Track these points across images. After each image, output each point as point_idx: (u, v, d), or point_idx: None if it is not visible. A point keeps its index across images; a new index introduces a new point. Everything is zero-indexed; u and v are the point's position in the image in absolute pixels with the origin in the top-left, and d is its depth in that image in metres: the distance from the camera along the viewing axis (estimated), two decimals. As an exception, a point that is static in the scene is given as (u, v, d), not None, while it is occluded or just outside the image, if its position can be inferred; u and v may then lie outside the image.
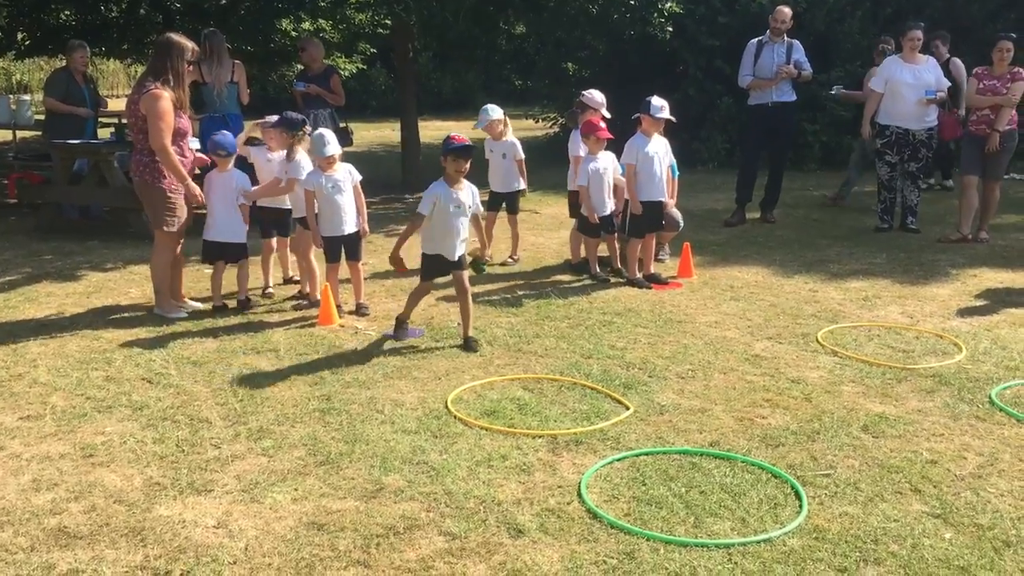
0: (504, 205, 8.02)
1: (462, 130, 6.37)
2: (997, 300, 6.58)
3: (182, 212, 6.21)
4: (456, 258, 5.60)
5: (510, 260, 7.93)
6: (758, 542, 3.37)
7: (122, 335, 5.86)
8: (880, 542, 3.38)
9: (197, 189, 6.17)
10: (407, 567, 3.24)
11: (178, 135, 6.07)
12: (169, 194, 6.10)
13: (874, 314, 6.31)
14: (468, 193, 5.60)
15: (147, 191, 6.13)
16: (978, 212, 8.55)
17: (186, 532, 3.48)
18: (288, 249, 7.09)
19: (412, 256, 5.95)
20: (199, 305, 6.55)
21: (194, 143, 6.38)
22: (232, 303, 6.56)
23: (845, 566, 3.23)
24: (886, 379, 5.04)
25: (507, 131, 7.91)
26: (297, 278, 6.96)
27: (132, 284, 7.17)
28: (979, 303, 6.54)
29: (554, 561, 3.27)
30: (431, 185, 5.59)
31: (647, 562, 3.25)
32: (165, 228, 6.16)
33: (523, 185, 8.02)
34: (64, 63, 10.53)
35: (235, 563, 3.27)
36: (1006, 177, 11.78)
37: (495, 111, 7.81)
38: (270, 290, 6.87)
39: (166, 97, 5.94)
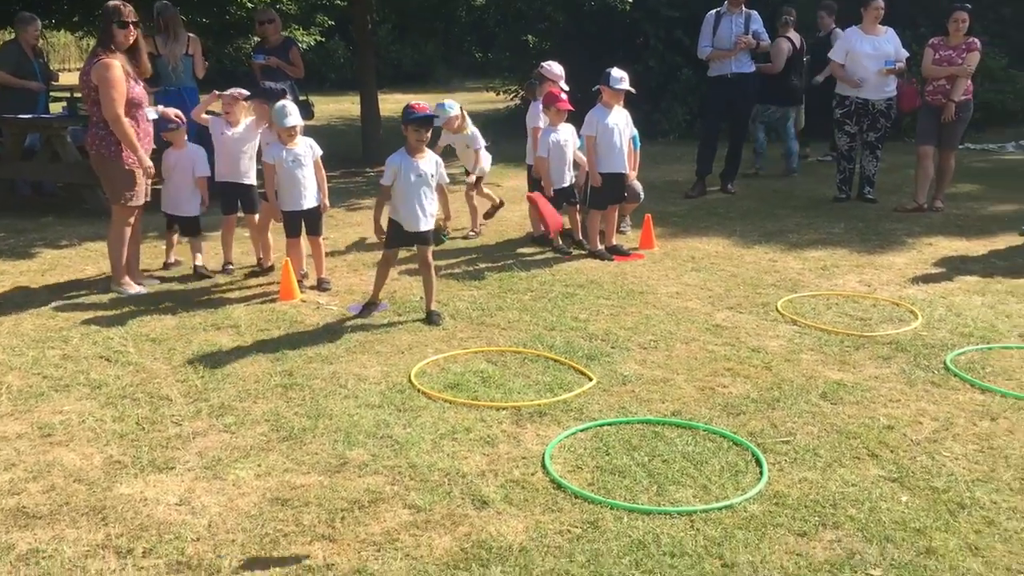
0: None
1: (423, 102, 6.29)
2: (952, 268, 6.70)
3: (140, 186, 6.09)
4: (421, 230, 5.56)
5: (471, 233, 7.91)
6: (720, 509, 3.41)
7: (79, 313, 5.77)
8: (839, 506, 3.44)
9: (148, 160, 6.02)
10: (372, 540, 3.24)
11: (132, 105, 5.93)
12: (126, 167, 5.97)
13: (832, 283, 6.39)
14: (430, 163, 5.55)
15: (104, 164, 6.00)
16: (934, 181, 8.66)
17: (148, 510, 3.45)
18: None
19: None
20: (157, 282, 6.47)
21: (152, 113, 6.20)
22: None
23: (805, 530, 3.28)
24: (844, 347, 5.11)
25: (466, 123, 7.80)
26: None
27: (88, 261, 7.06)
28: (934, 271, 6.65)
29: (519, 531, 3.29)
30: (392, 155, 5.56)
31: (611, 531, 3.29)
32: (122, 203, 6.05)
33: (481, 171, 7.93)
34: (13, 36, 10.26)
35: (198, 540, 3.25)
36: (961, 147, 11.98)
37: (452, 107, 7.71)
38: (230, 266, 6.79)
39: (117, 66, 5.80)
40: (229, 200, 6.75)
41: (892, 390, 4.51)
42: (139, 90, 6.01)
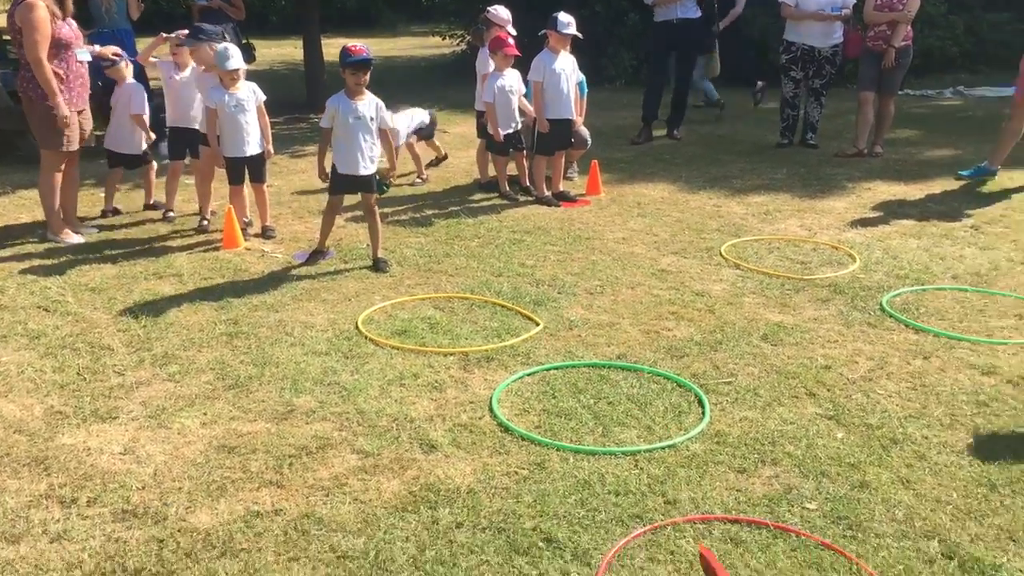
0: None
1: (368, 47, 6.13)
2: (890, 212, 6.83)
3: (73, 131, 5.91)
4: (360, 174, 5.50)
5: (417, 180, 7.85)
6: (663, 448, 3.49)
7: (14, 263, 5.63)
8: (777, 444, 3.54)
9: (65, 109, 5.74)
10: (320, 485, 3.26)
11: (60, 46, 5.70)
12: (55, 112, 5.79)
13: (774, 227, 6.49)
14: (370, 105, 5.46)
15: (33, 108, 5.79)
16: (874, 127, 8.78)
17: (91, 460, 3.42)
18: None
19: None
20: (95, 231, 6.33)
21: (84, 54, 5.97)
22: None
23: (744, 467, 3.38)
24: (784, 290, 5.21)
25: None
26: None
27: (22, 209, 6.87)
28: (873, 215, 6.78)
29: (467, 474, 3.33)
30: (331, 97, 5.47)
31: (557, 471, 3.34)
32: (52, 148, 5.87)
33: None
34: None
35: (143, 488, 3.23)
36: (901, 92, 12.14)
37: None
38: (171, 213, 6.66)
39: (40, 6, 5.56)
40: (177, 145, 6.59)
41: (830, 331, 4.62)
42: (68, 31, 5.79)
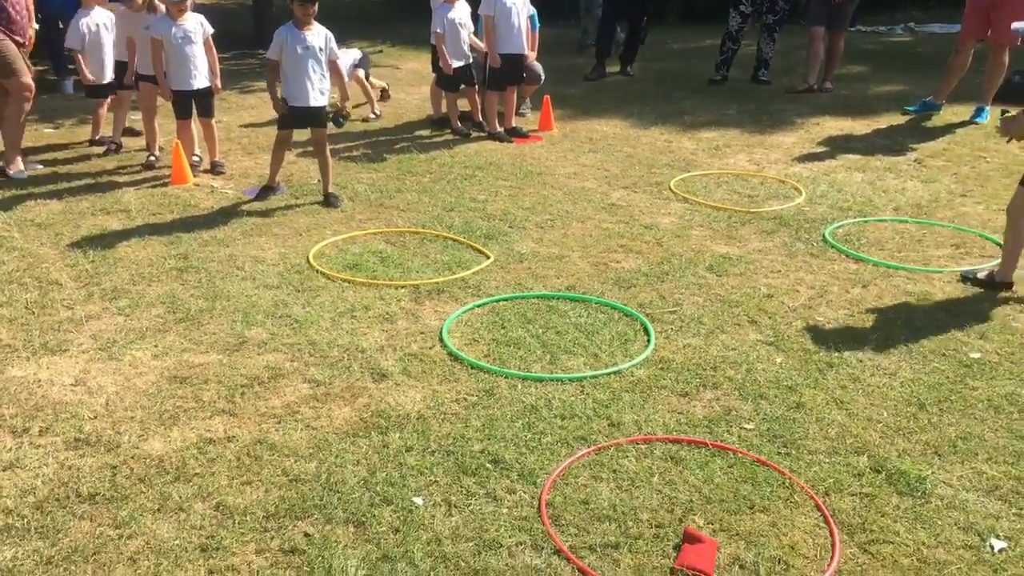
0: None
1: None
2: (836, 147, 6.94)
3: (21, 63, 5.79)
4: (310, 104, 5.45)
5: (371, 116, 7.79)
6: (608, 374, 3.59)
7: (-43, 199, 5.55)
8: (718, 368, 3.65)
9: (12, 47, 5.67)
10: (272, 413, 3.31)
11: None
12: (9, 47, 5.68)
13: (724, 162, 6.57)
14: (318, 36, 5.40)
15: None
16: (824, 63, 8.86)
17: (42, 391, 3.43)
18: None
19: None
20: (40, 167, 6.22)
21: None
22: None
23: (687, 391, 3.49)
24: (731, 223, 5.31)
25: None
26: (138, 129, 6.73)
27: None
28: (820, 150, 6.89)
29: (417, 401, 3.40)
30: (279, 28, 5.40)
31: (505, 397, 3.43)
32: (20, 78, 5.79)
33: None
34: None
35: (95, 418, 3.26)
36: (852, 29, 12.21)
37: None
38: (112, 144, 6.58)
39: None
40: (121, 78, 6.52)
41: (774, 262, 4.74)
42: None
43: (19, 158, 6.02)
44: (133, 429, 3.20)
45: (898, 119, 7.73)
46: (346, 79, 7.41)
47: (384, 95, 8.33)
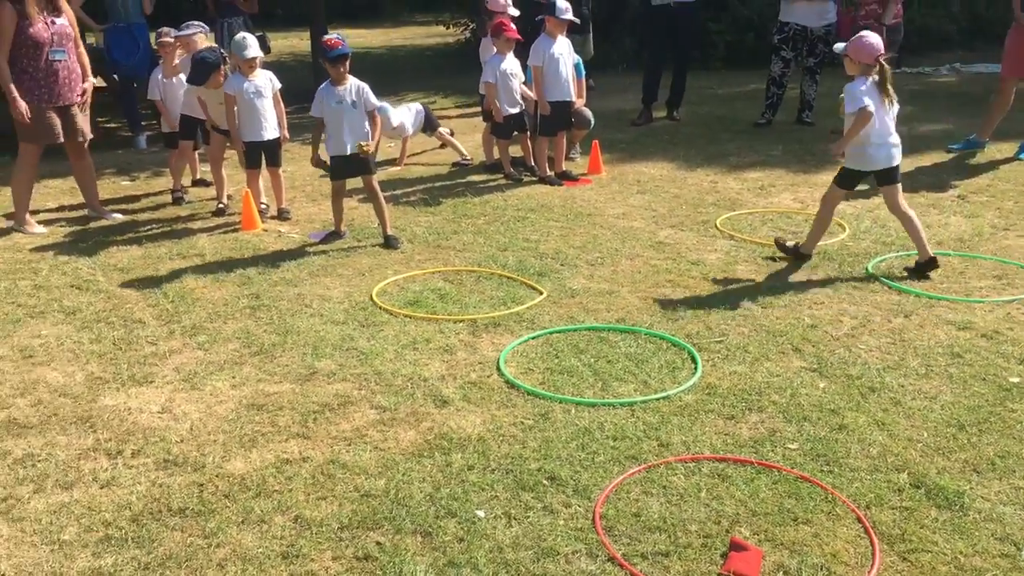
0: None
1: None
2: (880, 185, 7.07)
3: (46, 126, 6.07)
4: (351, 154, 5.78)
5: (463, 160, 8.11)
6: (657, 399, 3.78)
7: (45, 247, 5.95)
8: (763, 394, 3.82)
9: (23, 107, 5.91)
10: (343, 436, 3.56)
11: (28, 46, 5.89)
12: (37, 110, 6.00)
13: (768, 201, 6.75)
14: (351, 90, 5.77)
15: (8, 104, 6.02)
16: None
17: (132, 418, 3.73)
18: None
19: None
20: (120, 216, 6.62)
21: (60, 54, 6.03)
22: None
23: (732, 414, 3.66)
24: (776, 258, 5.48)
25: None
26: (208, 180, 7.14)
27: (49, 197, 7.18)
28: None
29: (477, 424, 3.63)
30: (319, 87, 5.82)
31: (560, 421, 3.64)
32: (27, 141, 6.14)
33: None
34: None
35: (182, 441, 3.54)
36: (897, 71, 12.34)
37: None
38: (179, 193, 6.99)
39: (5, 7, 5.75)
40: (186, 131, 6.94)
41: (817, 294, 4.90)
42: (40, 30, 5.89)
43: (28, 216, 6.39)
44: (216, 451, 3.46)
45: (942, 157, 7.85)
46: (409, 131, 7.86)
47: (451, 134, 8.66)
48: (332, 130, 5.81)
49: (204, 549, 2.90)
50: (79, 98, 6.22)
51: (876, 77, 5.11)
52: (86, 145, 6.41)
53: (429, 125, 8.27)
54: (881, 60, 5.10)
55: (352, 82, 5.78)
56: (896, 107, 5.22)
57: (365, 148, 5.76)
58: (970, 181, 7.06)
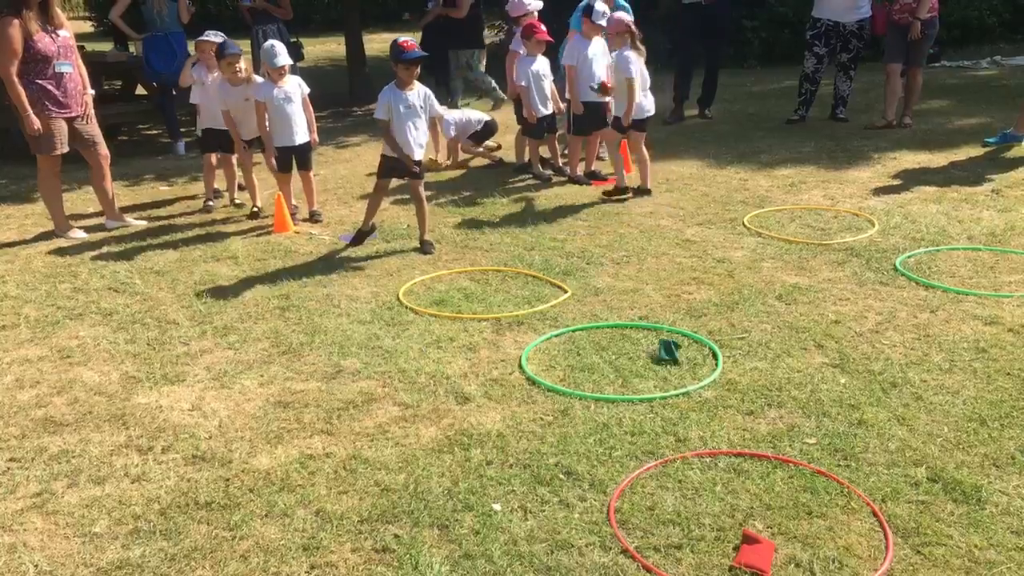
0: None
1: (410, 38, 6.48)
2: (912, 179, 7.02)
3: (58, 136, 6.21)
4: (412, 159, 5.78)
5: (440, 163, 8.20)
6: (677, 395, 3.80)
7: (84, 250, 6.12)
8: (783, 389, 3.83)
9: (36, 123, 6.05)
10: (366, 432, 3.63)
11: (38, 60, 6.01)
12: (46, 121, 6.13)
13: (798, 198, 6.73)
14: (418, 95, 5.78)
15: (18, 117, 6.15)
16: (902, 98, 8.93)
17: (164, 415, 3.84)
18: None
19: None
20: (144, 223, 6.75)
21: (65, 66, 6.15)
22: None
23: (752, 410, 3.68)
24: (803, 255, 5.47)
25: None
26: (239, 200, 7.19)
27: (89, 203, 7.36)
28: (896, 183, 6.97)
29: (497, 421, 3.68)
30: (383, 90, 5.79)
31: (579, 417, 3.68)
32: (41, 152, 6.27)
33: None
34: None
35: (211, 438, 3.64)
36: (937, 65, 12.20)
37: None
38: (211, 203, 7.10)
39: (13, 24, 5.87)
40: (209, 143, 7.04)
41: (843, 290, 4.88)
42: (47, 44, 6.03)
43: (70, 223, 6.54)
44: (243, 447, 3.56)
45: (977, 151, 7.75)
46: (451, 133, 7.97)
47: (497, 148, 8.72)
48: (397, 134, 5.73)
49: (228, 541, 2.98)
50: (81, 108, 6.34)
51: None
52: (101, 154, 6.52)
53: (480, 136, 8.33)
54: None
55: (419, 87, 5.79)
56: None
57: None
58: (1005, 175, 6.96)
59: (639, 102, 6.75)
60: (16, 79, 5.97)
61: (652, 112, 6.95)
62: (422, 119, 5.81)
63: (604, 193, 7.01)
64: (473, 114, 8.34)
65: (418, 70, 5.74)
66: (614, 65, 6.85)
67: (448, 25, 10.00)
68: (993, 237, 5.61)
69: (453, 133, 8.12)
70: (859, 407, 3.65)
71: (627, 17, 6.93)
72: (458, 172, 8.05)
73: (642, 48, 6.80)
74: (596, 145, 7.70)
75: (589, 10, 7.24)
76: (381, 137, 5.88)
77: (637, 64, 6.72)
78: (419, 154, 5.83)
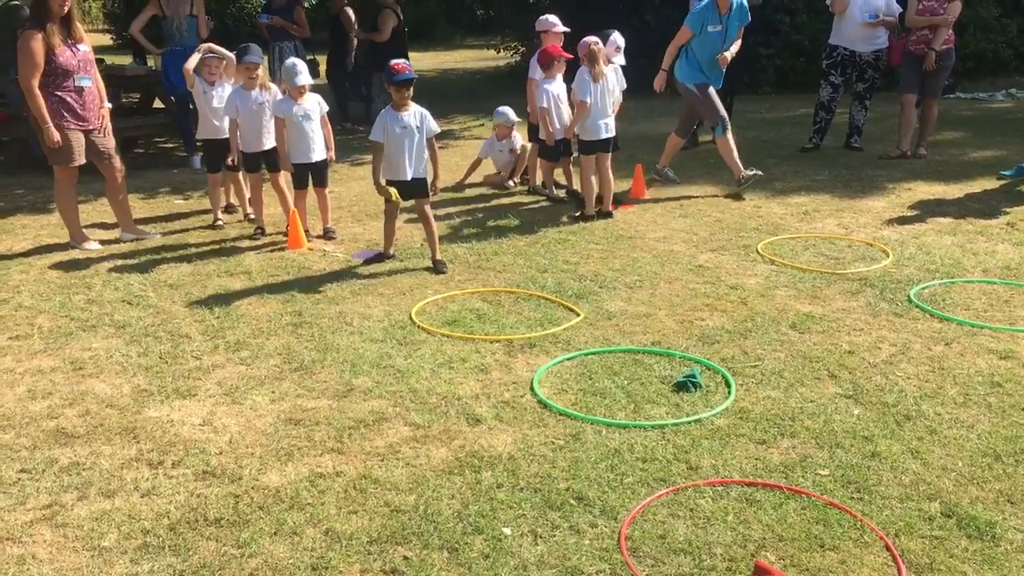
0: None
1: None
2: (927, 210, 7.01)
3: (76, 148, 6.26)
4: (408, 179, 5.82)
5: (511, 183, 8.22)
6: (689, 422, 3.79)
7: (99, 262, 6.14)
8: (797, 419, 3.81)
9: (56, 135, 6.09)
10: (376, 452, 3.62)
11: (59, 74, 6.07)
12: (64, 133, 6.17)
13: (812, 226, 6.72)
14: (414, 115, 5.82)
15: (38, 129, 6.19)
16: (917, 129, 8.93)
17: (175, 430, 3.84)
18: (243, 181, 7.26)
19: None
20: (158, 236, 6.78)
21: (85, 80, 6.22)
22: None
23: (764, 439, 3.66)
24: (816, 283, 5.46)
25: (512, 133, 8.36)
26: (252, 214, 7.19)
27: (104, 215, 7.40)
28: (910, 213, 6.96)
29: (508, 443, 3.67)
30: (380, 112, 5.86)
31: (590, 441, 3.66)
32: (58, 164, 6.32)
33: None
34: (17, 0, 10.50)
35: (221, 453, 3.63)
36: (952, 96, 12.22)
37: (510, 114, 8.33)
38: (220, 222, 7.11)
39: (36, 38, 5.94)
40: (213, 158, 7.08)
41: (857, 320, 4.86)
42: (68, 58, 6.09)
43: (85, 235, 6.58)
44: (253, 464, 3.55)
45: (993, 184, 7.74)
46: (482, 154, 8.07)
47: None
48: (393, 155, 5.80)
49: (237, 559, 2.97)
50: (99, 122, 6.39)
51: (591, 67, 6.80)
52: (116, 167, 6.56)
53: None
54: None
55: (414, 108, 5.84)
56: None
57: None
58: (1020, 208, 6.95)
59: (596, 123, 6.87)
60: (38, 91, 6.01)
61: (609, 136, 6.99)
62: (419, 139, 5.84)
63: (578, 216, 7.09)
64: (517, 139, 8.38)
65: (410, 91, 5.77)
66: (574, 86, 6.96)
67: (371, 49, 10.26)
68: (1008, 270, 5.59)
69: (483, 154, 8.24)
70: (873, 439, 3.63)
71: (590, 39, 6.97)
72: (473, 192, 8.07)
73: (604, 72, 6.91)
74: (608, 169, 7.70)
75: (606, 39, 7.25)
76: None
77: (590, 86, 6.82)
78: (419, 173, 5.86)
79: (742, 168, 7.62)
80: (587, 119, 6.85)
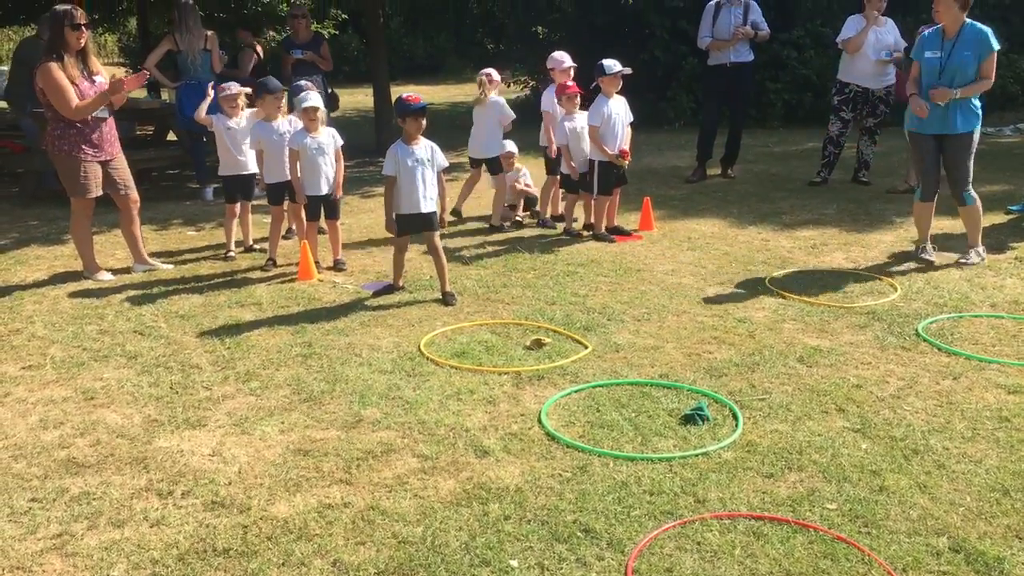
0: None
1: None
2: (934, 245, 7.00)
3: (93, 180, 6.38)
4: (422, 211, 5.90)
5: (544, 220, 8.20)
6: (696, 455, 3.79)
7: (112, 293, 6.20)
8: (804, 453, 3.81)
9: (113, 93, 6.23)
10: (384, 483, 3.64)
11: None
12: (83, 164, 6.30)
13: (820, 260, 6.74)
14: (425, 149, 5.91)
15: (59, 162, 6.32)
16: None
17: (184, 460, 3.86)
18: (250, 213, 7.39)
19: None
20: (170, 267, 6.85)
21: (101, 113, 6.35)
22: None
23: (772, 473, 3.66)
24: (824, 317, 5.47)
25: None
26: (257, 247, 7.30)
27: (117, 247, 7.47)
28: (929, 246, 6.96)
29: (515, 475, 3.68)
30: (391, 147, 5.93)
31: (598, 474, 3.67)
32: (77, 195, 6.40)
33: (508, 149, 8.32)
34: (35, 33, 10.68)
35: (230, 484, 3.65)
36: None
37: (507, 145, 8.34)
38: (231, 253, 7.17)
39: (56, 67, 6.05)
40: (232, 191, 7.18)
41: (864, 354, 4.87)
42: (86, 90, 6.21)
43: (97, 265, 6.65)
44: (262, 494, 3.57)
45: (1001, 218, 7.76)
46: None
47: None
48: (405, 188, 5.85)
49: (245, 589, 2.98)
50: (114, 153, 6.50)
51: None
52: (131, 199, 6.64)
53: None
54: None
55: (424, 141, 5.91)
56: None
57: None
58: (1028, 243, 6.96)
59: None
60: (83, 103, 6.13)
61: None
62: (430, 172, 5.90)
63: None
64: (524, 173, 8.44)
65: (423, 124, 5.85)
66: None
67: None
68: (1016, 305, 5.59)
69: (523, 181, 8.32)
70: (880, 473, 3.62)
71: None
72: (482, 224, 8.13)
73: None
74: (617, 200, 7.76)
75: (600, 68, 7.32)
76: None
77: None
78: (430, 207, 5.93)
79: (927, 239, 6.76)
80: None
